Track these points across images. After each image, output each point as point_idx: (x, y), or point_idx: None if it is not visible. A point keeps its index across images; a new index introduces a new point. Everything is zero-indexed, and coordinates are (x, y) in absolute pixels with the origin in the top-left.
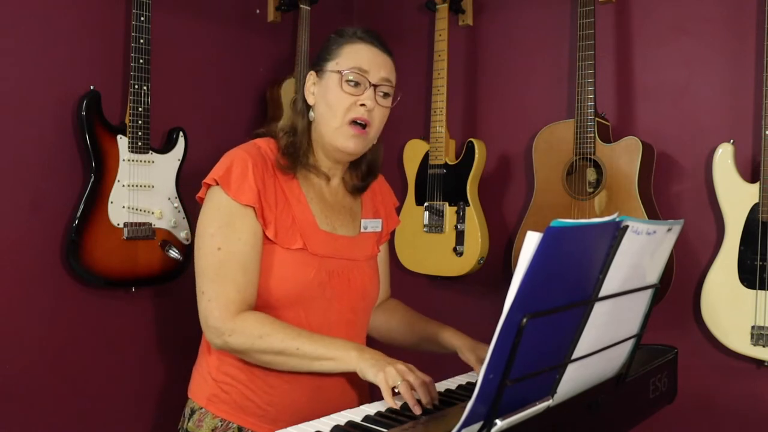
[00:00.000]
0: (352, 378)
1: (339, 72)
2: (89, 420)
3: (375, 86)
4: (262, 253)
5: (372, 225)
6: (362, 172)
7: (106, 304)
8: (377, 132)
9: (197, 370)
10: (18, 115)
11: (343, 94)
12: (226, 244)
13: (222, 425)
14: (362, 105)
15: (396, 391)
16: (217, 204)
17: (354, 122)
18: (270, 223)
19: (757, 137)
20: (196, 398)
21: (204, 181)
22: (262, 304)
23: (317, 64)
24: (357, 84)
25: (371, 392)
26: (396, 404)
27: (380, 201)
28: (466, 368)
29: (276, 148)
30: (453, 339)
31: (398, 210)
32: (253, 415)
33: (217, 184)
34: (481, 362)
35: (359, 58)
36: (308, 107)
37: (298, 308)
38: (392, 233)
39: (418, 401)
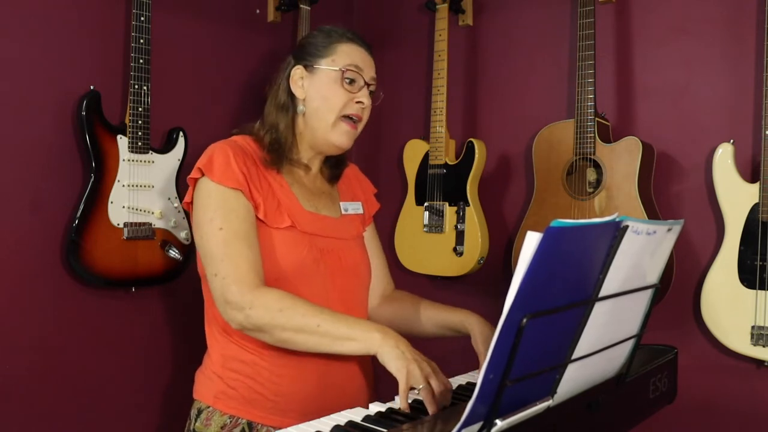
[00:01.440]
0: (358, 364)
1: (339, 70)
2: (89, 420)
3: (368, 85)
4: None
5: (353, 207)
6: (331, 164)
7: (106, 304)
8: (362, 127)
9: (201, 371)
10: (18, 115)
11: (342, 91)
12: (227, 223)
13: (231, 422)
14: (358, 102)
15: (416, 391)
16: (207, 192)
17: (347, 117)
18: (259, 205)
19: (757, 137)
20: (203, 398)
21: (189, 177)
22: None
23: (304, 59)
24: (353, 81)
25: (376, 379)
26: (408, 407)
27: (358, 187)
28: (466, 368)
29: (253, 143)
30: (470, 324)
31: (377, 196)
32: (262, 408)
33: (203, 174)
34: None
35: (355, 57)
36: (293, 101)
37: (298, 287)
38: (393, 237)
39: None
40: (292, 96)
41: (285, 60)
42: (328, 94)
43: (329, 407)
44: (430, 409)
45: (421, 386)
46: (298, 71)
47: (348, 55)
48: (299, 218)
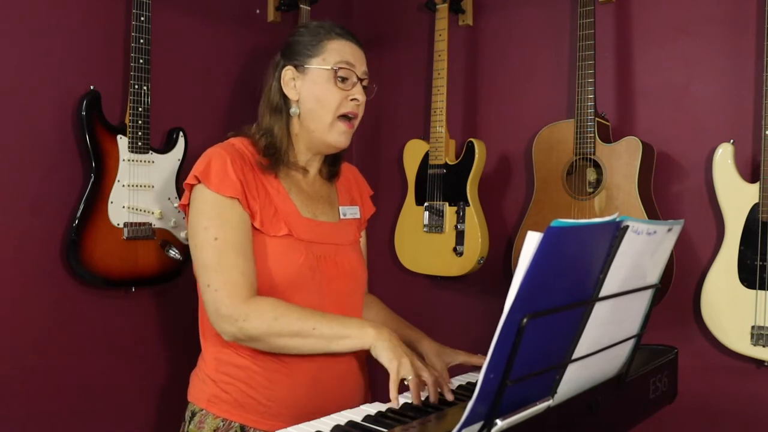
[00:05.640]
0: (349, 368)
1: (331, 69)
2: (89, 420)
3: (361, 80)
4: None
5: (351, 212)
6: (329, 162)
7: (106, 304)
8: (358, 123)
9: (195, 374)
10: (18, 115)
11: (336, 90)
12: (222, 233)
13: (224, 425)
14: (353, 99)
15: (405, 382)
16: (202, 200)
17: (344, 116)
18: (256, 213)
19: (757, 137)
20: (196, 401)
21: (185, 182)
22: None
23: (294, 58)
24: (346, 79)
25: (373, 382)
26: (397, 398)
27: (356, 190)
28: (466, 368)
29: (251, 145)
30: (420, 344)
31: (372, 200)
32: (255, 412)
33: (199, 181)
34: (447, 366)
35: (345, 53)
36: (286, 102)
37: (293, 295)
38: (393, 237)
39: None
40: (285, 97)
41: (274, 59)
42: (322, 95)
43: (322, 411)
44: (415, 400)
45: (410, 377)
46: (288, 72)
47: (338, 53)
48: (296, 226)
